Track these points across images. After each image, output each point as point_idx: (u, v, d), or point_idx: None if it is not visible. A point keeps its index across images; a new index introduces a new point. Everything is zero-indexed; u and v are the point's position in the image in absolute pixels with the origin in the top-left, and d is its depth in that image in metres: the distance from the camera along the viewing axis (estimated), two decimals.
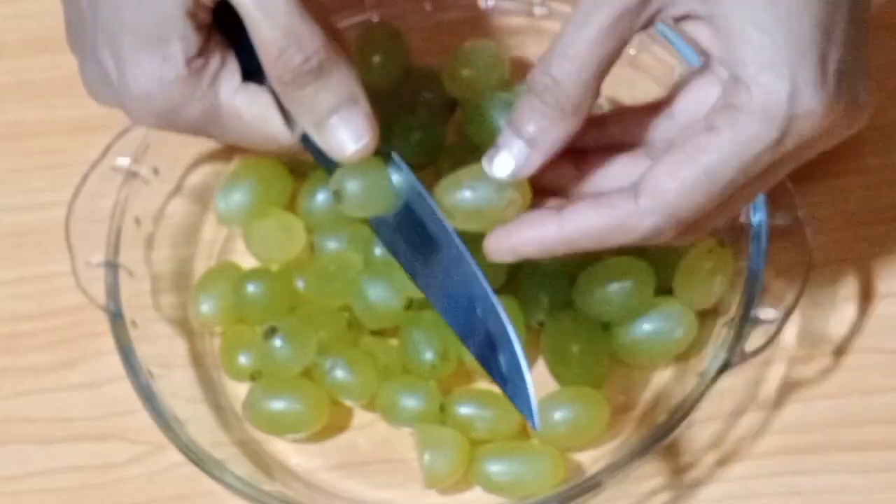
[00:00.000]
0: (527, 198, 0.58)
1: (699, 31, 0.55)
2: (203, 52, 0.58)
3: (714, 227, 0.58)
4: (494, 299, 0.58)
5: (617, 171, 0.59)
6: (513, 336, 0.58)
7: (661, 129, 0.59)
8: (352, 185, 0.60)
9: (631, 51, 0.73)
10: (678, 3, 0.54)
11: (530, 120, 0.56)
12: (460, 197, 0.58)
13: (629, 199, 0.55)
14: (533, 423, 0.58)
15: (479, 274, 0.59)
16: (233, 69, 0.59)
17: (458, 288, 0.59)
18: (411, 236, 0.61)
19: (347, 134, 0.58)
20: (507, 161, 0.57)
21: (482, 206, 0.58)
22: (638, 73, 0.73)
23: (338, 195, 0.60)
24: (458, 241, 0.59)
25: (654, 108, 0.59)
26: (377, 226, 0.63)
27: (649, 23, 0.55)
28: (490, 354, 0.59)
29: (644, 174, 0.55)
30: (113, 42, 0.58)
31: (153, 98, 0.58)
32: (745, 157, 0.54)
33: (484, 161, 0.57)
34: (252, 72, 0.59)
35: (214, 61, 0.59)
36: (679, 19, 0.55)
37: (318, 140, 0.59)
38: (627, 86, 0.73)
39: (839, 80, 0.53)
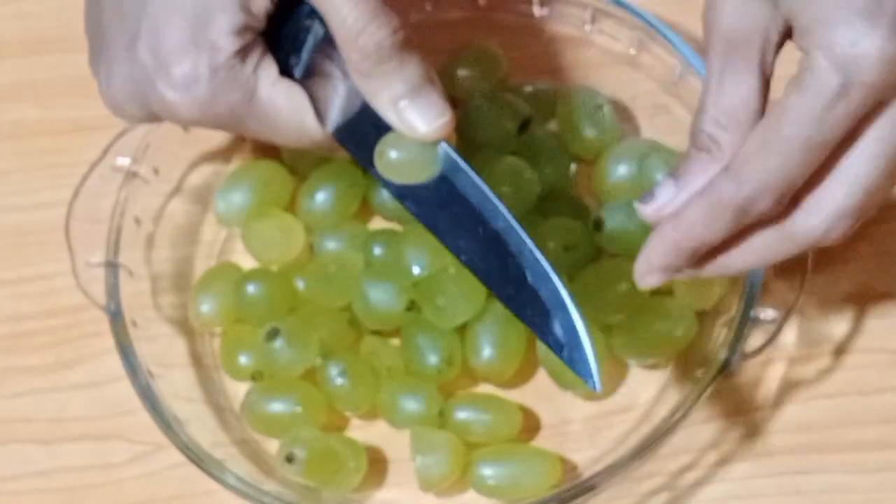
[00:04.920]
0: None
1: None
2: (248, 38, 0.58)
3: (855, 205, 0.55)
4: (547, 265, 0.58)
5: None
6: (568, 299, 0.58)
7: None
8: (395, 153, 0.59)
9: (631, 50, 0.73)
10: (797, 17, 0.53)
11: (697, 173, 0.56)
12: None
13: (723, 178, 0.55)
14: (593, 385, 0.57)
15: (530, 242, 0.58)
16: (271, 61, 0.60)
17: (507, 259, 0.59)
18: (453, 212, 0.60)
19: (429, 111, 0.58)
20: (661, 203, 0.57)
21: None
22: (638, 73, 0.73)
23: (381, 156, 0.60)
24: (505, 211, 0.58)
25: None
26: (416, 204, 0.61)
27: (780, 47, 0.55)
28: (544, 321, 0.58)
29: None
30: (157, 32, 0.58)
31: (197, 84, 0.58)
32: (814, 111, 0.52)
33: (638, 205, 0.57)
34: (284, 72, 0.60)
35: (257, 51, 0.59)
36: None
37: (395, 118, 0.59)
38: (627, 85, 0.73)
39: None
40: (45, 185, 0.75)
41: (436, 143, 0.59)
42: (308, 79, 0.60)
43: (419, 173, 0.60)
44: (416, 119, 0.58)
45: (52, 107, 0.78)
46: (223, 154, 0.74)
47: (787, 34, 0.54)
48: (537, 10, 0.74)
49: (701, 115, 0.55)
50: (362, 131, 0.60)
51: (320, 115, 0.60)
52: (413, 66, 0.58)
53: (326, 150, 0.62)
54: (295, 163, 0.72)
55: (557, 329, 0.58)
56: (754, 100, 0.55)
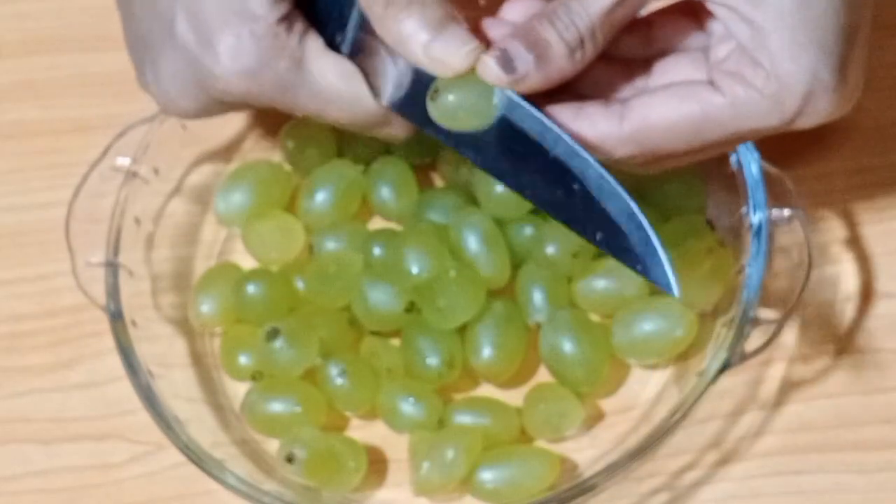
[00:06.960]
0: None
1: (719, 9, 0.55)
2: (285, 9, 0.59)
3: (681, 166, 0.59)
4: (614, 181, 0.56)
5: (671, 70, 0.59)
6: (639, 212, 0.56)
7: (694, 39, 0.59)
8: (452, 97, 0.58)
9: None
10: (765, 29, 0.54)
11: (545, 41, 0.56)
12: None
13: (613, 121, 0.56)
14: (672, 291, 0.55)
15: (594, 161, 0.56)
16: (315, 35, 0.60)
17: (572, 184, 0.57)
18: (512, 149, 0.58)
19: (455, 42, 0.58)
20: (508, 66, 0.56)
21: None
22: None
23: (436, 100, 0.58)
24: (566, 136, 0.57)
25: (688, 15, 0.59)
26: (474, 150, 0.60)
27: None
28: (617, 240, 0.57)
29: (634, 99, 0.56)
30: (195, 12, 0.59)
31: (243, 54, 0.59)
32: (739, 128, 0.55)
33: (484, 59, 0.57)
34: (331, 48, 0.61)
35: (298, 23, 0.60)
36: None
37: (424, 58, 0.58)
38: None
39: (849, 78, 0.54)
40: (45, 185, 0.75)
41: (489, 86, 0.57)
42: (355, 56, 0.61)
43: (476, 118, 0.58)
44: (444, 53, 0.57)
45: (52, 107, 0.78)
46: (223, 154, 0.74)
47: None
48: None
49: (580, 10, 0.55)
50: (418, 100, 0.59)
51: (372, 89, 0.60)
52: (433, 6, 0.58)
53: (377, 125, 0.62)
54: (295, 162, 0.72)
55: (633, 244, 0.56)
56: (630, 20, 0.56)
